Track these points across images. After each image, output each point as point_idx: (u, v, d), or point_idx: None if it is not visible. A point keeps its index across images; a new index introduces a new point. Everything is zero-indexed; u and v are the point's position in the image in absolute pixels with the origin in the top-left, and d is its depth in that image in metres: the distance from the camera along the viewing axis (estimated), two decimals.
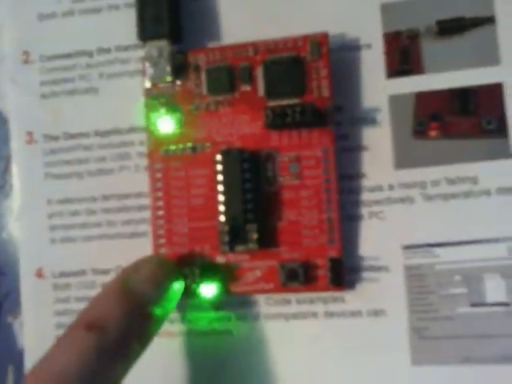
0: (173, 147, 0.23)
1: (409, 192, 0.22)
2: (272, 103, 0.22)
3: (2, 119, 0.27)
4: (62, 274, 0.25)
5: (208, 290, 0.22)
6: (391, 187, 0.22)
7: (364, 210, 0.23)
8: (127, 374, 0.20)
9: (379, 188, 0.23)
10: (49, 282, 0.25)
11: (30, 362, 0.25)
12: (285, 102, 0.22)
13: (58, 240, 0.25)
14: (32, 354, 0.25)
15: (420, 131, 0.22)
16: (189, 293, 0.22)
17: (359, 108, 0.23)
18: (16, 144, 0.26)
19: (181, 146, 0.23)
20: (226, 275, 0.22)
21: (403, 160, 0.22)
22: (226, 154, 0.22)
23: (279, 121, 0.21)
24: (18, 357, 0.26)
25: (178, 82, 0.23)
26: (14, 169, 0.26)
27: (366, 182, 0.23)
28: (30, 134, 0.26)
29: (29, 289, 0.25)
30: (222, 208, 0.22)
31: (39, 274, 0.25)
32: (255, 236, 0.22)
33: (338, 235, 0.22)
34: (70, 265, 0.25)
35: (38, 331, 0.25)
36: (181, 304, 0.23)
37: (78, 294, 0.25)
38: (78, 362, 0.18)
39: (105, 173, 0.25)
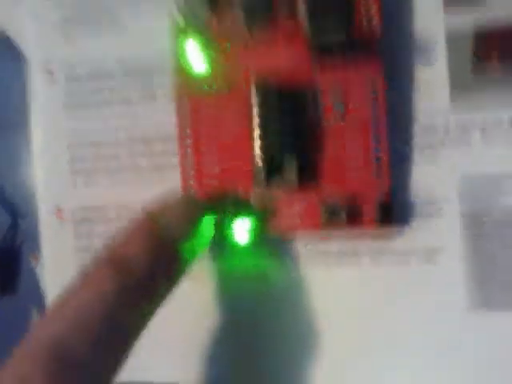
0: (204, 86, 0.21)
1: (465, 132, 0.20)
2: (316, 37, 0.20)
3: (21, 57, 0.25)
4: (84, 214, 0.23)
5: (242, 230, 0.21)
6: (446, 126, 0.20)
7: (416, 150, 0.20)
8: (152, 317, 0.18)
9: (433, 128, 0.20)
10: (69, 223, 0.24)
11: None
12: (330, 34, 0.20)
13: (79, 185, 0.24)
14: (54, 296, 0.23)
15: (480, 67, 0.20)
16: (220, 235, 0.21)
17: (412, 41, 0.20)
18: (36, 83, 0.24)
19: (213, 84, 0.21)
20: (262, 215, 0.21)
21: (460, 99, 0.20)
22: (261, 89, 0.20)
23: (324, 53, 0.19)
24: (41, 300, 0.25)
25: (212, 17, 0.21)
26: (34, 109, 0.24)
27: (418, 121, 0.20)
28: (50, 73, 0.24)
29: (48, 230, 0.24)
30: (257, 141, 0.20)
31: (59, 216, 0.24)
32: (294, 173, 0.20)
33: (386, 168, 0.20)
34: (92, 201, 0.24)
35: (59, 272, 0.24)
36: (212, 247, 0.21)
37: (100, 229, 0.23)
38: (99, 300, 0.17)
39: (130, 115, 0.23)
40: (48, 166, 0.24)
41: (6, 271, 0.26)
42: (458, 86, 0.20)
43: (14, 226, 0.26)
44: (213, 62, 0.21)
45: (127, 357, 0.17)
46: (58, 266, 0.24)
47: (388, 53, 0.20)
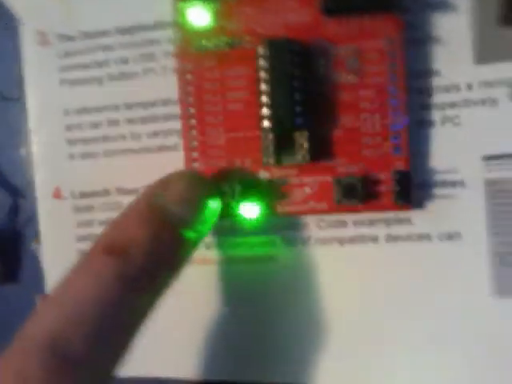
0: (206, 43, 0.19)
1: (492, 92, 0.18)
2: None
3: (14, 19, 0.23)
4: (83, 195, 0.22)
5: (250, 210, 0.19)
6: (470, 86, 0.19)
7: (437, 115, 0.19)
8: (155, 306, 0.17)
9: (455, 87, 0.19)
10: (68, 203, 0.22)
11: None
12: None
13: (76, 155, 0.22)
14: (53, 283, 0.22)
15: (508, 17, 0.18)
16: (227, 213, 0.19)
17: None
18: (28, 46, 0.23)
19: (215, 40, 0.19)
20: (271, 193, 0.19)
21: (485, 53, 0.18)
22: (270, 45, 0.18)
23: (338, 1, 0.17)
24: (44, 285, 0.23)
25: None
26: (27, 75, 0.23)
27: (439, 81, 0.19)
28: (42, 34, 0.22)
29: (47, 211, 0.23)
30: (265, 112, 0.18)
31: (57, 195, 0.22)
32: (306, 146, 0.18)
33: (405, 143, 0.18)
34: (92, 184, 0.22)
35: (59, 258, 0.23)
36: (218, 226, 0.20)
37: (101, 216, 0.22)
38: (95, 289, 0.16)
39: (128, 77, 0.22)
40: (44, 138, 0.23)
41: (7, 257, 0.25)
42: (483, 37, 0.18)
43: (15, 208, 0.25)
44: (215, 15, 0.19)
45: (128, 350, 0.16)
46: (58, 251, 0.23)
47: (405, 2, 0.19)
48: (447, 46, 0.19)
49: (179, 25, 0.20)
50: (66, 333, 0.15)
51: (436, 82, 0.19)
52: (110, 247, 0.16)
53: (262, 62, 0.18)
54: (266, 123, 0.18)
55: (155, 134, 0.21)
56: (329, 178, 0.19)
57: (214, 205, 0.18)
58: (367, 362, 0.20)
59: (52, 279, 0.23)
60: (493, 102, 0.18)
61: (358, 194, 0.18)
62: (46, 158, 0.23)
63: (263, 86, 0.18)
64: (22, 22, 0.23)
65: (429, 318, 0.19)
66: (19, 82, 0.23)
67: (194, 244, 0.18)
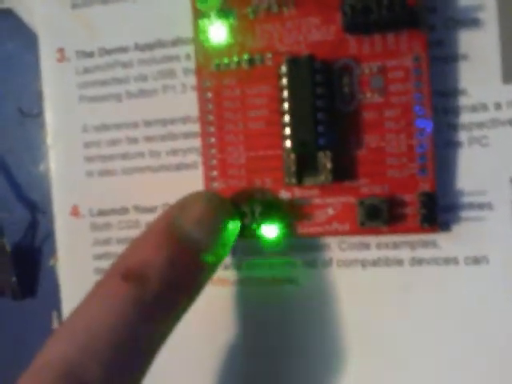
0: (226, 60, 0.19)
1: None
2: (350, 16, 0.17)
3: (32, 35, 0.23)
4: (101, 213, 0.22)
5: (270, 231, 0.19)
6: (498, 106, 0.18)
7: (463, 135, 0.18)
8: (171, 332, 0.17)
9: (483, 107, 0.18)
10: (86, 221, 0.22)
11: (67, 311, 0.22)
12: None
13: (95, 173, 0.22)
14: (70, 302, 0.22)
15: None
16: (247, 234, 0.19)
17: (458, 6, 0.18)
18: (47, 63, 0.23)
19: (236, 58, 0.19)
20: (292, 214, 0.19)
21: None
22: (292, 63, 0.18)
23: (361, 19, 0.17)
24: (61, 302, 0.23)
25: None
26: (46, 92, 0.23)
27: (466, 100, 0.18)
28: (61, 50, 0.22)
29: (64, 229, 0.22)
30: (287, 131, 0.18)
31: (75, 213, 0.22)
32: (329, 166, 0.18)
33: (431, 165, 0.18)
34: (109, 202, 0.22)
35: (76, 277, 0.22)
36: (237, 246, 0.19)
37: (119, 234, 0.22)
38: (111, 315, 0.15)
39: (147, 94, 0.21)
40: (62, 155, 0.22)
41: (25, 272, 0.25)
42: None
43: (33, 224, 0.25)
44: (235, 32, 0.19)
45: (144, 377, 0.16)
46: (75, 270, 0.22)
47: (431, 19, 0.18)
48: (475, 63, 0.18)
49: (199, 42, 0.19)
50: (82, 360, 0.15)
51: (463, 101, 0.18)
52: (127, 272, 0.16)
53: (284, 81, 0.18)
54: (288, 143, 0.18)
55: (174, 151, 0.21)
56: (352, 199, 0.18)
57: (232, 227, 0.18)
58: None
59: (68, 296, 0.22)
60: None
61: (383, 215, 0.18)
62: (64, 175, 0.22)
63: (285, 106, 0.18)
64: (41, 38, 0.22)
65: (454, 345, 0.18)
66: (38, 99, 0.23)
67: (212, 267, 0.17)
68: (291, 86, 0.18)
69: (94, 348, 0.15)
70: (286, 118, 0.18)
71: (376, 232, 0.18)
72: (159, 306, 0.16)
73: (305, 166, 0.18)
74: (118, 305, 0.15)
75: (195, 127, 0.20)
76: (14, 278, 0.25)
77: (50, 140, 0.22)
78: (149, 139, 0.21)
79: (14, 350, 0.25)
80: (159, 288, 0.16)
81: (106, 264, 0.21)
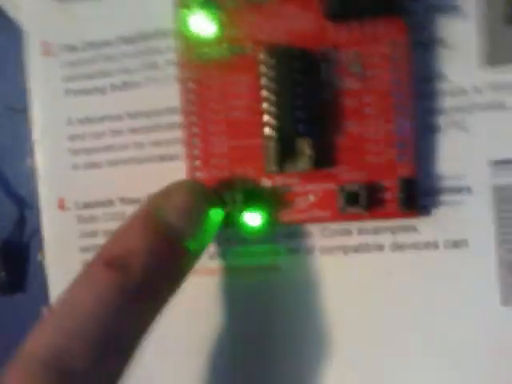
0: (208, 51, 0.19)
1: (500, 95, 0.18)
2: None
3: (17, 31, 0.23)
4: (87, 205, 0.22)
5: (252, 219, 0.19)
6: (477, 90, 0.18)
7: (443, 119, 0.18)
8: (155, 320, 0.17)
9: (462, 91, 0.18)
10: (72, 214, 0.22)
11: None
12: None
13: (80, 166, 0.22)
14: (58, 294, 0.22)
15: None
16: (230, 223, 0.19)
17: None
18: (31, 56, 0.23)
19: (217, 48, 0.19)
20: (274, 201, 0.19)
21: (493, 55, 0.18)
22: (272, 51, 0.18)
23: (340, 5, 0.17)
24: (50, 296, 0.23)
25: None
26: (32, 86, 0.23)
27: (445, 84, 0.18)
28: (45, 44, 0.22)
29: (51, 222, 0.23)
30: (267, 119, 0.18)
31: (61, 206, 0.22)
32: (309, 153, 0.18)
33: (410, 150, 0.18)
34: (95, 194, 0.22)
35: (63, 269, 0.22)
36: (221, 236, 0.19)
37: (105, 226, 0.22)
38: (95, 302, 0.15)
39: (130, 86, 0.21)
40: (48, 148, 0.22)
41: (14, 267, 0.25)
42: (491, 38, 0.18)
43: (21, 219, 0.25)
44: (217, 22, 0.19)
45: (129, 364, 0.16)
46: (62, 263, 0.22)
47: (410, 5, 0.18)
48: (453, 48, 0.18)
49: (181, 33, 0.20)
50: (67, 347, 0.15)
51: (442, 86, 0.18)
52: (110, 260, 0.16)
53: (263, 69, 0.18)
54: (268, 131, 0.18)
55: (158, 143, 0.21)
56: (332, 186, 0.18)
57: (215, 215, 0.18)
58: (371, 373, 0.19)
59: (56, 290, 0.23)
60: (500, 105, 0.18)
61: (362, 201, 0.18)
62: (50, 168, 0.22)
63: (265, 93, 0.18)
64: (26, 32, 0.23)
65: (435, 328, 0.19)
66: (24, 93, 0.23)
67: (195, 255, 0.18)
68: (271, 74, 0.18)
69: (79, 335, 0.15)
70: (266, 106, 0.18)
71: (356, 218, 0.18)
72: (142, 292, 0.16)
73: (285, 153, 0.18)
74: (101, 291, 0.16)
75: (179, 118, 0.20)
76: (2, 273, 0.25)
77: (36, 134, 0.23)
78: (133, 131, 0.21)
79: (3, 345, 0.25)
80: (142, 275, 0.16)
81: (92, 256, 0.22)
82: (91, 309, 0.15)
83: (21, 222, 0.25)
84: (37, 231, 0.24)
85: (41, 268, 0.24)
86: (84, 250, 0.22)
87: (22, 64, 0.23)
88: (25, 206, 0.25)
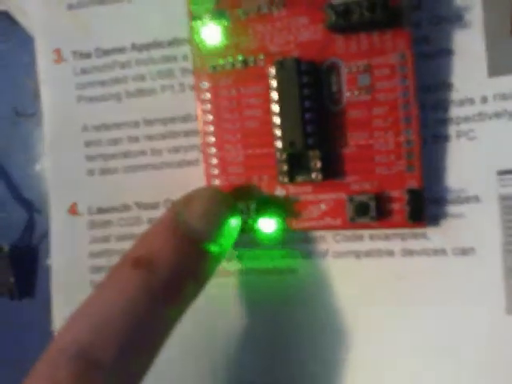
0: (221, 62, 0.20)
1: (507, 105, 0.19)
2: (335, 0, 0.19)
3: (27, 37, 0.24)
4: (100, 210, 0.23)
5: (267, 225, 0.20)
6: (484, 99, 0.19)
7: (450, 129, 0.19)
8: (180, 319, 0.18)
9: (469, 101, 0.19)
10: (83, 219, 0.23)
11: (59, 313, 0.23)
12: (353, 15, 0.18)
13: (95, 171, 0.23)
14: (61, 305, 0.23)
15: None
16: (246, 229, 0.20)
17: (443, 3, 0.19)
18: (43, 64, 0.24)
19: (230, 59, 0.20)
20: (287, 209, 0.20)
21: (500, 65, 0.19)
22: (280, 65, 0.19)
23: (343, 20, 0.18)
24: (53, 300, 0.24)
25: None
26: (44, 92, 0.24)
27: (452, 95, 0.19)
28: (57, 51, 0.23)
29: (60, 227, 0.24)
30: (278, 132, 0.19)
31: (73, 211, 0.23)
32: (318, 164, 0.19)
33: (418, 161, 0.19)
34: (110, 199, 0.23)
35: (72, 274, 0.23)
36: (240, 240, 0.20)
37: (119, 231, 0.23)
38: (122, 302, 0.17)
39: (145, 93, 0.22)
40: (62, 154, 0.23)
41: (23, 272, 0.26)
42: (497, 49, 0.19)
43: (30, 223, 0.26)
44: (228, 33, 0.20)
45: (154, 361, 0.17)
46: (70, 264, 0.23)
47: (415, 16, 0.19)
48: (460, 59, 0.19)
49: (195, 44, 0.21)
50: (94, 343, 0.16)
51: (450, 96, 0.19)
52: (137, 260, 0.17)
53: (273, 83, 0.19)
54: (278, 144, 0.19)
55: (175, 149, 0.22)
56: (343, 196, 0.19)
57: (234, 220, 0.19)
58: (382, 373, 0.20)
59: (61, 295, 0.23)
60: (508, 114, 0.19)
61: (371, 211, 0.19)
62: (63, 173, 0.23)
63: (275, 107, 0.19)
64: (38, 39, 0.23)
65: (443, 333, 0.20)
66: (33, 98, 0.24)
67: (217, 258, 0.19)
68: (279, 88, 0.19)
69: (106, 330, 0.16)
70: (276, 120, 0.19)
71: (365, 227, 0.19)
72: (167, 291, 0.17)
73: (296, 164, 0.19)
74: (128, 290, 0.17)
75: (195, 125, 0.21)
76: (11, 279, 0.26)
77: (48, 140, 0.23)
78: (150, 138, 0.22)
79: (12, 349, 0.26)
80: (167, 274, 0.17)
81: (102, 262, 0.23)
82: (117, 306, 0.17)
83: (30, 226, 0.26)
84: (45, 236, 0.25)
85: (49, 273, 0.24)
86: (94, 255, 0.23)
87: (33, 71, 0.24)
88: (33, 211, 0.26)
